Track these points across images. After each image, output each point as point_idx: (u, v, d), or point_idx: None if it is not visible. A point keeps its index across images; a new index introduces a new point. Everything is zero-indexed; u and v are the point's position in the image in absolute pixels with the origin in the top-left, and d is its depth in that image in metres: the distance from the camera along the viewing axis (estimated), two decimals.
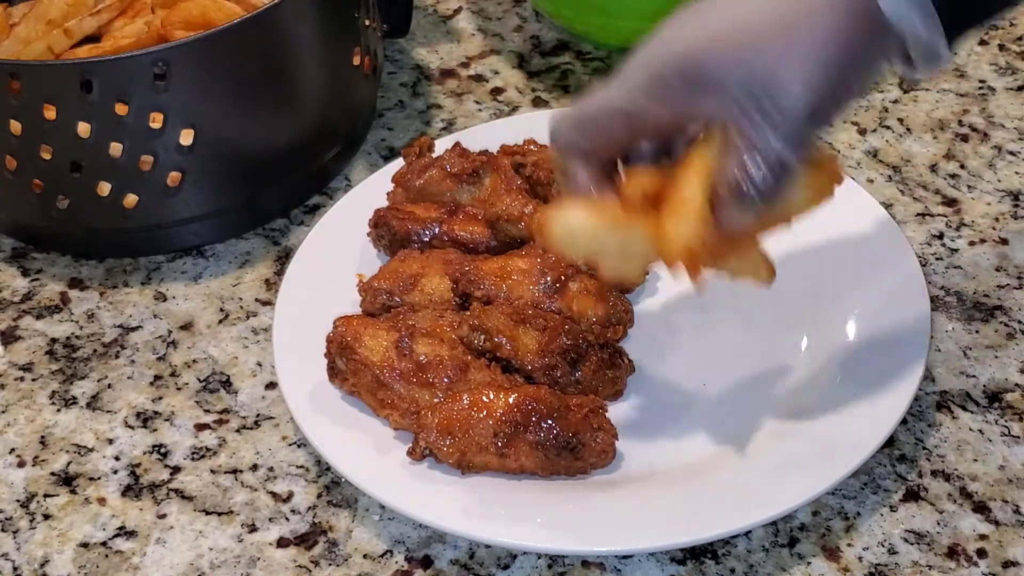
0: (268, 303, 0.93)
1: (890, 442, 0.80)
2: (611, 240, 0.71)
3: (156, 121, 0.89)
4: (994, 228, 0.95)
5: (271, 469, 0.83)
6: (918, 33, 0.65)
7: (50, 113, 0.88)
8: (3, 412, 0.88)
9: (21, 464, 0.84)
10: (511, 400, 0.76)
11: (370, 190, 0.96)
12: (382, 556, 0.77)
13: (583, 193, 0.72)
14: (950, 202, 0.97)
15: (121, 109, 0.88)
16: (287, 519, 0.80)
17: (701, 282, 0.70)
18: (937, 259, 0.92)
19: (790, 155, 0.67)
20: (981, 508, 0.77)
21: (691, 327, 0.87)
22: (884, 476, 0.79)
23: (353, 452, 0.78)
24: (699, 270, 0.70)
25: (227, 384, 0.88)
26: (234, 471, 0.83)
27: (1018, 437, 0.81)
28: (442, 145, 0.95)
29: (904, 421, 0.81)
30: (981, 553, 0.75)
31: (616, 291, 0.86)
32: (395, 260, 0.88)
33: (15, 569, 0.78)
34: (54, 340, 0.92)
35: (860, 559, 0.75)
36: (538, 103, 1.10)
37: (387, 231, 0.91)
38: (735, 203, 0.68)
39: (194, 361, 0.90)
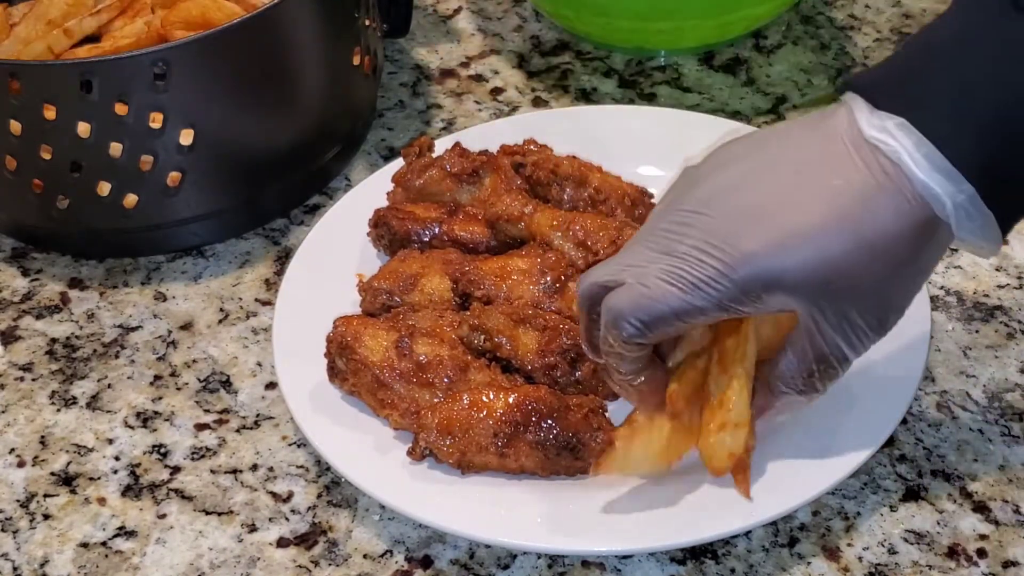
0: (268, 303, 0.93)
1: (890, 442, 0.80)
2: (663, 462, 0.75)
3: (156, 121, 0.89)
4: None
5: (271, 469, 0.83)
6: (979, 243, 0.66)
7: (50, 113, 0.88)
8: (3, 412, 0.88)
9: (21, 464, 0.84)
10: (511, 400, 0.76)
11: (370, 190, 0.96)
12: (382, 556, 0.77)
13: (635, 387, 0.73)
14: None
15: (121, 109, 0.88)
16: (287, 519, 0.80)
17: (748, 489, 0.74)
18: None
19: (854, 359, 0.70)
20: (981, 508, 0.77)
21: None
22: (884, 476, 0.79)
23: (353, 452, 0.78)
24: (747, 475, 0.74)
25: (227, 384, 0.88)
26: (234, 471, 0.83)
27: (1018, 437, 0.81)
28: (442, 145, 0.95)
29: (904, 421, 0.81)
30: (981, 553, 0.75)
31: None
32: (395, 260, 0.88)
33: (15, 569, 0.78)
34: (54, 340, 0.92)
35: (860, 559, 0.75)
36: (538, 103, 1.10)
37: (387, 231, 0.91)
38: (792, 402, 0.72)
39: (194, 361, 0.90)
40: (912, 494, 0.78)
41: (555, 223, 0.88)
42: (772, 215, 0.66)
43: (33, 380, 0.90)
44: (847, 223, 0.65)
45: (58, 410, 0.87)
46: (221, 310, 0.94)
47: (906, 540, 0.76)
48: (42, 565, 0.78)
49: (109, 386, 0.89)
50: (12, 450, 0.85)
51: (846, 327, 0.67)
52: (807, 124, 0.69)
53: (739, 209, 0.67)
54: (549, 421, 0.76)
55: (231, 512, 0.80)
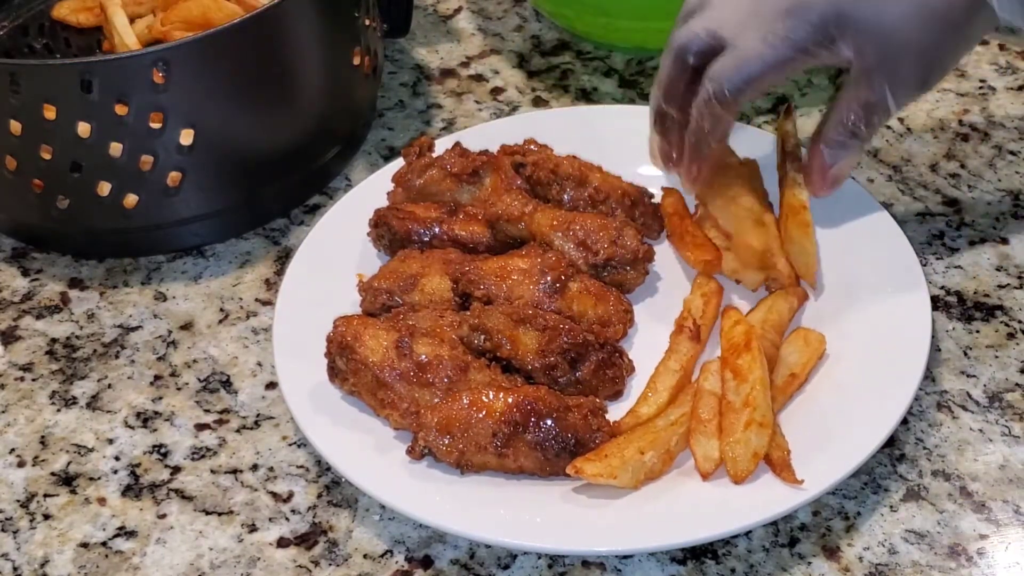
0: (268, 303, 0.93)
1: (890, 442, 0.80)
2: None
3: (156, 121, 0.89)
4: (994, 228, 0.95)
5: (271, 469, 0.83)
6: (1016, 22, 0.77)
7: (50, 113, 0.88)
8: (3, 412, 0.88)
9: (21, 464, 0.84)
10: (511, 400, 0.76)
11: (370, 190, 0.96)
12: (382, 556, 0.77)
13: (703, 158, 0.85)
14: (950, 202, 0.97)
15: (121, 109, 0.88)
16: (287, 519, 0.80)
17: (795, 476, 0.75)
18: (937, 259, 0.92)
19: (894, 112, 0.80)
20: (981, 508, 0.77)
21: None
22: (884, 476, 0.79)
23: (353, 452, 0.78)
24: (792, 469, 0.75)
25: (227, 384, 0.88)
26: (234, 471, 0.83)
27: (1018, 437, 0.80)
28: (442, 145, 0.95)
29: (904, 421, 0.81)
30: (981, 553, 0.75)
31: (616, 291, 0.86)
32: (395, 260, 0.88)
33: (15, 569, 0.78)
34: (54, 340, 0.92)
35: (860, 559, 0.75)
36: (538, 103, 1.10)
37: (387, 231, 0.91)
38: (840, 153, 0.82)
39: (194, 361, 0.90)
40: (912, 494, 0.78)
41: (555, 223, 0.88)
42: None
43: (33, 380, 0.90)
44: None
45: (58, 410, 0.87)
46: (221, 310, 0.94)
47: (906, 540, 0.76)
48: (42, 565, 0.78)
49: (109, 386, 0.89)
50: (12, 450, 0.85)
51: (894, 78, 0.78)
52: None
53: None
54: (549, 422, 0.76)
55: (231, 512, 0.80)
